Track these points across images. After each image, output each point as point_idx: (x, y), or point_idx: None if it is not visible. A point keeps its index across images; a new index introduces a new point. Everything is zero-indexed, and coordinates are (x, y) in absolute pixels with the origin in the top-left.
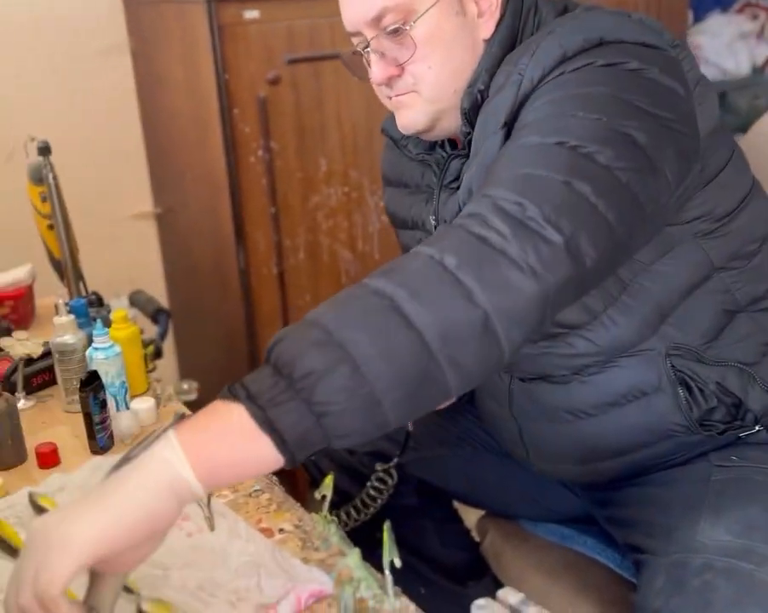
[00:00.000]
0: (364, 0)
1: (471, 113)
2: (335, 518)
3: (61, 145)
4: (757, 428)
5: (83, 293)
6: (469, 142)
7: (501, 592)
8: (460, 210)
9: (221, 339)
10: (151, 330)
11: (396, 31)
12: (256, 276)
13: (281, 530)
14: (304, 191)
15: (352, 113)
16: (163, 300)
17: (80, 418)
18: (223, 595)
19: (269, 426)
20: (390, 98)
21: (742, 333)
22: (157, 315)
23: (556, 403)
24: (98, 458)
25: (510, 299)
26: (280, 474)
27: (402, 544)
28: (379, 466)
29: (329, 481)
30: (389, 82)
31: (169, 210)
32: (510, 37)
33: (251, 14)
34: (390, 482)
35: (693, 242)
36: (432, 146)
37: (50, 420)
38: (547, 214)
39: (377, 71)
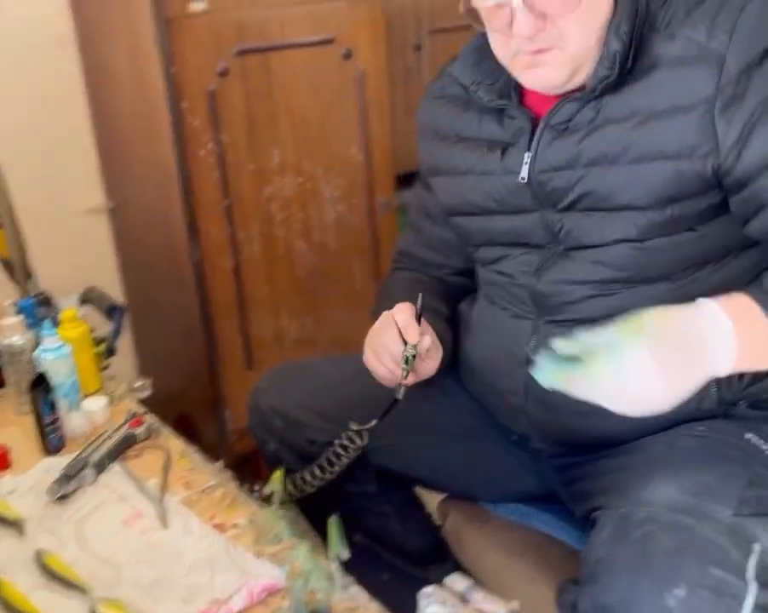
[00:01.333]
0: None
1: (622, 56)
2: (286, 513)
3: (7, 140)
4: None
5: (34, 292)
6: (603, 87)
7: (448, 579)
8: (589, 158)
9: (178, 332)
10: (107, 327)
11: None
12: (210, 269)
13: (234, 526)
14: (257, 182)
15: (303, 103)
16: (119, 296)
17: (32, 419)
18: (177, 591)
19: None
20: (524, 54)
21: None
22: (111, 311)
23: None
24: (50, 459)
25: None
26: (243, 463)
27: (364, 530)
28: (354, 426)
29: (276, 477)
30: (533, 36)
31: (122, 205)
32: None
33: (198, 5)
34: (358, 442)
35: None
36: (502, 94)
37: (2, 421)
38: None
39: (525, 24)
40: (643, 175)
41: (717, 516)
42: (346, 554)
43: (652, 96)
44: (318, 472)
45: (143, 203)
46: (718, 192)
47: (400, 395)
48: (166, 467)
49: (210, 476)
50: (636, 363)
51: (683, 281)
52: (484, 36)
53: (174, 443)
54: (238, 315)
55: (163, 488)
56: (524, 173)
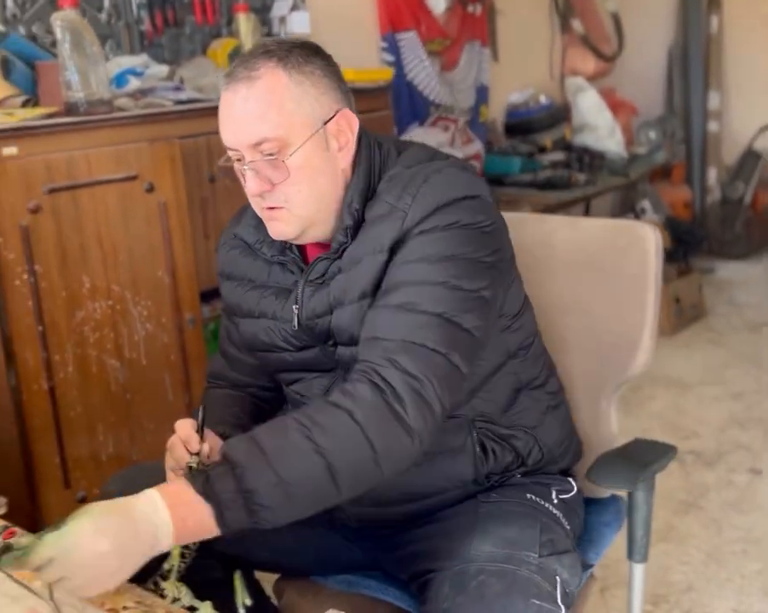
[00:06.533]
0: (247, 126)
1: (352, 229)
2: (183, 584)
3: None
4: (518, 475)
5: None
6: (343, 249)
7: None
8: (331, 303)
9: None
10: None
11: (272, 158)
12: (27, 393)
13: (125, 608)
14: (70, 307)
15: (111, 233)
16: None
17: None
18: None
19: (224, 524)
20: (263, 208)
21: (524, 406)
22: None
23: None
24: None
25: (400, 460)
26: None
27: None
28: None
29: (176, 553)
30: (262, 194)
31: None
32: (368, 167)
33: (9, 150)
34: (192, 545)
35: (498, 334)
36: (283, 249)
37: None
38: (437, 390)
39: (253, 185)
40: (358, 312)
41: (528, 560)
42: (249, 601)
43: (360, 247)
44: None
45: None
46: None
47: None
48: None
49: None
50: (78, 533)
51: None
52: None
53: None
54: (55, 436)
55: (50, 586)
56: (295, 321)
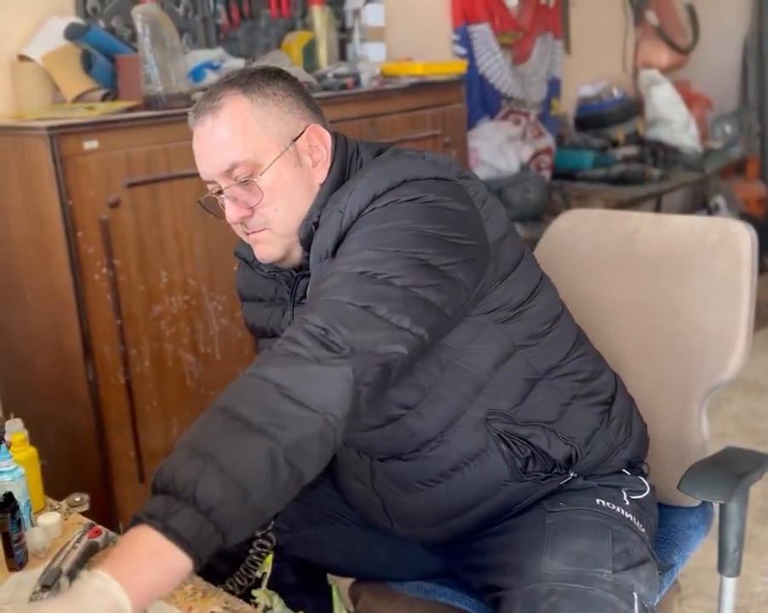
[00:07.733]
0: (217, 155)
1: (307, 242)
2: (275, 592)
3: None
4: (572, 475)
5: None
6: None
7: None
8: None
9: (68, 450)
10: None
11: (245, 182)
12: (105, 386)
13: None
14: (147, 302)
15: (189, 227)
16: None
17: None
18: None
19: (171, 532)
20: (247, 234)
21: (542, 397)
22: None
23: (409, 476)
24: (18, 574)
25: (324, 395)
26: None
27: None
28: (258, 533)
29: (268, 560)
30: (243, 221)
31: (3, 328)
32: (339, 179)
33: (90, 144)
34: (269, 545)
35: (495, 327)
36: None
37: None
38: (345, 335)
39: (231, 212)
40: None
41: (601, 577)
42: None
43: (312, 258)
44: (238, 581)
45: (31, 325)
46: None
47: None
48: None
49: None
50: None
51: None
52: None
53: None
54: (131, 429)
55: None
56: None
